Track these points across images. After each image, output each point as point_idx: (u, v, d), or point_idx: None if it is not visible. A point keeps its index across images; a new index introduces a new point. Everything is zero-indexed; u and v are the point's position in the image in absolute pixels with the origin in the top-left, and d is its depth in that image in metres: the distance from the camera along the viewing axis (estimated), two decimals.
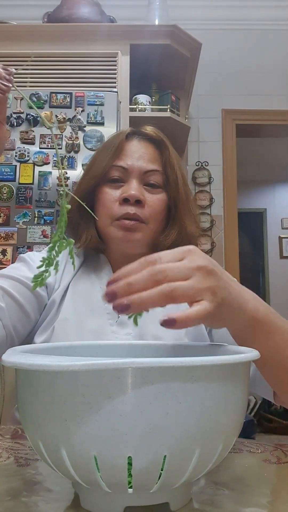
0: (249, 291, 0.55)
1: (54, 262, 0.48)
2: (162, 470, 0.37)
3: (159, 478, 0.37)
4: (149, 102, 2.42)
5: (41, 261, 0.48)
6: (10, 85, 0.54)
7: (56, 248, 0.48)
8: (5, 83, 0.54)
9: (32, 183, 1.95)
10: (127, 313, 0.43)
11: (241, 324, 0.53)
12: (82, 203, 0.52)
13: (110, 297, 0.43)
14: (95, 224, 0.85)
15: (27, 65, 2.24)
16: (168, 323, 0.42)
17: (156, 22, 2.48)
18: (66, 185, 1.94)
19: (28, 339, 0.80)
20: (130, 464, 0.36)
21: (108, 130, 1.99)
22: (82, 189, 0.86)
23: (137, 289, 0.43)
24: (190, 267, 0.46)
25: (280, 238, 4.79)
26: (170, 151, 0.86)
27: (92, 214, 0.79)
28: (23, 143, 1.98)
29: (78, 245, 0.85)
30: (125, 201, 0.80)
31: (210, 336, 0.81)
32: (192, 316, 0.43)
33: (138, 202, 0.80)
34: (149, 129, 0.88)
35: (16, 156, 1.96)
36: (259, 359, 0.49)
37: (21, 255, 0.86)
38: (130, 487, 0.37)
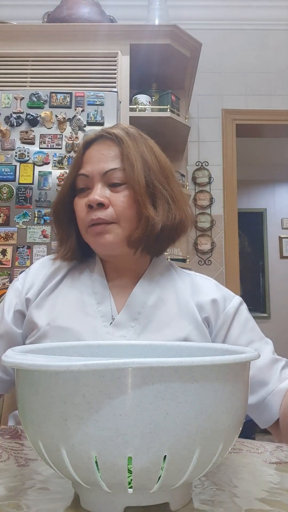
0: None
1: None
2: (162, 470, 0.37)
3: (159, 478, 0.37)
4: (149, 102, 2.42)
5: None
6: None
7: None
8: None
9: (32, 183, 1.95)
10: None
11: None
12: None
13: None
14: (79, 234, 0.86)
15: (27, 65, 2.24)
16: None
17: (156, 22, 2.48)
18: None
19: None
20: (130, 464, 0.36)
21: None
22: (56, 202, 0.87)
23: None
24: None
25: (280, 238, 4.78)
26: (128, 144, 0.82)
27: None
28: (23, 143, 1.98)
29: (54, 258, 0.88)
30: (90, 207, 0.80)
31: None
32: None
33: (101, 205, 0.79)
34: (109, 129, 0.85)
35: (16, 156, 1.96)
36: None
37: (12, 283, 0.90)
38: (130, 487, 0.37)
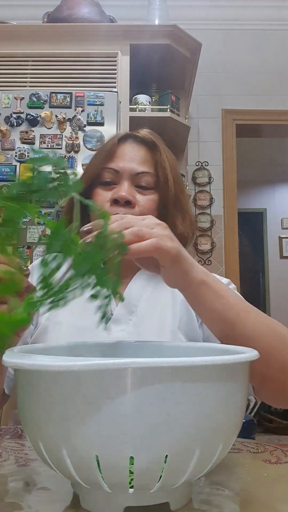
0: (202, 267, 0.64)
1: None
2: (163, 469, 0.37)
3: (159, 478, 0.37)
4: (149, 102, 2.41)
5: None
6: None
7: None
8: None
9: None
10: (126, 255, 0.52)
11: (193, 285, 0.61)
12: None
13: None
14: None
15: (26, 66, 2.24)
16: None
17: (156, 22, 2.48)
18: None
19: None
20: (131, 464, 0.36)
21: (108, 130, 1.99)
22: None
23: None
24: (153, 222, 0.57)
25: (280, 238, 4.79)
26: (162, 152, 0.87)
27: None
28: (23, 143, 1.98)
29: None
30: (115, 202, 0.81)
31: (201, 328, 0.81)
32: (144, 247, 0.53)
33: (128, 203, 0.81)
34: (142, 132, 0.89)
35: (16, 156, 1.96)
36: (216, 322, 0.60)
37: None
38: (131, 487, 0.37)
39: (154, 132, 0.92)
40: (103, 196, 0.83)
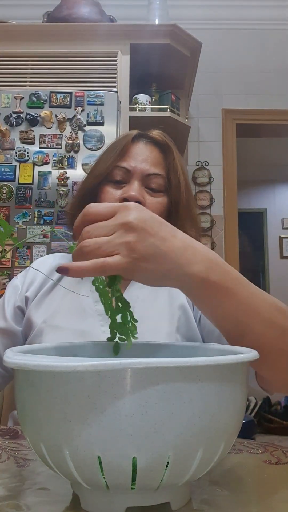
0: (207, 254, 0.51)
1: None
2: (166, 470, 0.36)
3: (162, 478, 0.37)
4: (149, 101, 2.41)
5: None
6: None
7: None
8: None
9: (32, 183, 1.95)
10: (67, 275, 0.45)
11: (187, 285, 0.50)
12: None
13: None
14: None
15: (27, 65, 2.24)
16: (61, 271, 0.44)
17: (156, 22, 2.47)
18: (66, 185, 1.94)
19: None
20: (134, 464, 0.36)
21: (108, 130, 1.99)
22: (85, 187, 0.87)
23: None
24: (114, 224, 0.46)
25: (281, 238, 4.79)
26: (175, 155, 0.86)
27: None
28: (22, 142, 1.98)
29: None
30: (125, 201, 0.80)
31: (199, 327, 0.81)
32: (85, 267, 0.44)
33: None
34: (155, 133, 0.89)
35: (15, 156, 1.96)
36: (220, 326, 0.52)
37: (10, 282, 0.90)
38: (133, 488, 0.37)
39: None
40: (111, 195, 0.82)
